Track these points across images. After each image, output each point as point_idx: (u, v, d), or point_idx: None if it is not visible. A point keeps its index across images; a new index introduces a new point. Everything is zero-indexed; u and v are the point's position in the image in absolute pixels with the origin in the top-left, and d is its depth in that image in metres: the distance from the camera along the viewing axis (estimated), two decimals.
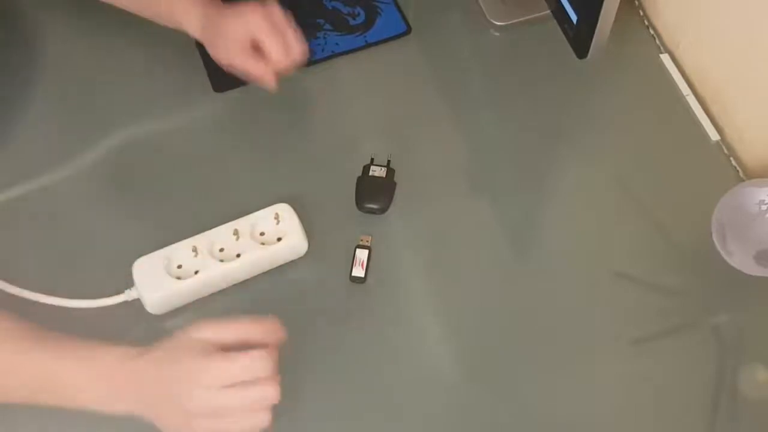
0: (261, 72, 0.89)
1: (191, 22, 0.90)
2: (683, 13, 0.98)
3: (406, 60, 1.00)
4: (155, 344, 0.70)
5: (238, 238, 0.82)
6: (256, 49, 0.88)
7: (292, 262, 0.85)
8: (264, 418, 0.69)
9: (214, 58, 0.90)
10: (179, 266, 0.81)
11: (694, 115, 0.96)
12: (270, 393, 0.69)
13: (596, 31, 0.84)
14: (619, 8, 0.82)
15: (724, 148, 0.94)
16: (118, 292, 0.81)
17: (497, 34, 1.03)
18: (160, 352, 0.70)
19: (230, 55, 0.89)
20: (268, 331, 0.71)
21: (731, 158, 0.93)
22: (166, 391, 0.69)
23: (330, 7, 1.03)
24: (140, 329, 0.81)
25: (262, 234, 0.83)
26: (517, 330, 0.84)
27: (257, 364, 0.68)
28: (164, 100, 0.95)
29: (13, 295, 0.80)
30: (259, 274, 0.84)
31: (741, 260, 0.84)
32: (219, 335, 0.69)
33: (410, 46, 1.01)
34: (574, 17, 0.88)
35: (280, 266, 0.85)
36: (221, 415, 0.68)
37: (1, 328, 0.71)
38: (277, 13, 0.88)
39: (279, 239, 0.83)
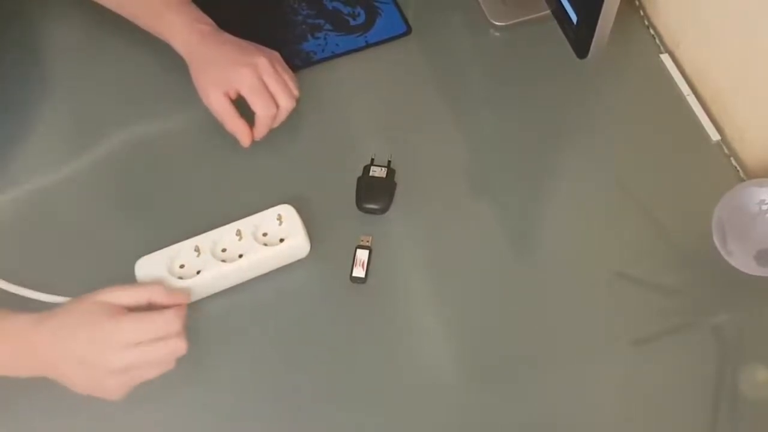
0: (233, 129, 0.87)
1: (176, 38, 0.88)
2: (683, 13, 0.98)
3: (406, 60, 1.00)
4: (59, 309, 0.72)
5: (240, 239, 0.82)
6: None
7: (292, 262, 0.85)
8: (170, 365, 0.73)
9: (195, 82, 0.87)
10: (182, 266, 0.81)
11: (694, 115, 0.96)
12: (179, 347, 0.72)
13: (596, 31, 0.84)
14: (619, 8, 0.82)
15: (724, 148, 0.94)
16: None
17: (497, 34, 1.03)
18: (66, 316, 0.72)
19: (210, 93, 0.86)
20: (172, 293, 0.75)
21: (731, 158, 0.93)
22: (75, 353, 0.70)
23: (330, 8, 1.03)
24: None
25: (264, 235, 0.83)
26: (517, 330, 0.84)
27: (167, 321, 0.71)
28: (166, 100, 0.95)
29: (15, 294, 0.80)
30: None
31: (741, 260, 0.84)
32: (122, 298, 0.72)
33: (410, 46, 1.01)
34: (574, 17, 0.88)
35: (281, 266, 0.85)
36: (133, 369, 0.71)
37: None
38: (267, 68, 0.85)
39: (282, 240, 0.83)
